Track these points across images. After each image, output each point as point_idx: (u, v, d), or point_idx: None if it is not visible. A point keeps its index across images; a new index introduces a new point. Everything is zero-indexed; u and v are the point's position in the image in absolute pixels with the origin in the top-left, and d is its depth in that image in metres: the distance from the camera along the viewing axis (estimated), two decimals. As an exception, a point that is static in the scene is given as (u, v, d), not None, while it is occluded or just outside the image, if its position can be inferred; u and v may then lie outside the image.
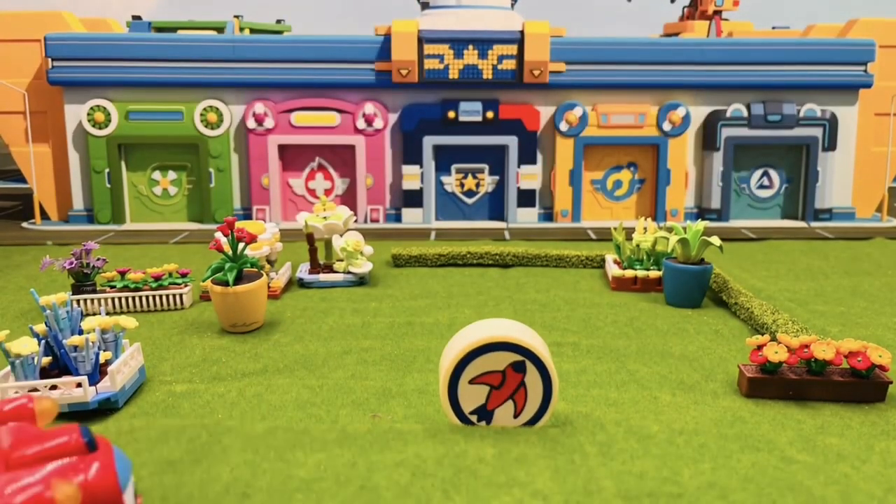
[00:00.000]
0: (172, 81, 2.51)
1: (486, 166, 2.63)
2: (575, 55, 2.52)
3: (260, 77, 2.52)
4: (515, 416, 0.99)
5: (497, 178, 2.64)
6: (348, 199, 2.63)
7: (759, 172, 2.68)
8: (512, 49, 2.49)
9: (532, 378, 0.97)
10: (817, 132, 2.59)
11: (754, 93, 2.59)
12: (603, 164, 2.65)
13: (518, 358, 0.96)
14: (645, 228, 1.78)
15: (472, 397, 0.98)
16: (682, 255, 1.62)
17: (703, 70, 2.55)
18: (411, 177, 2.58)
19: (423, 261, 1.99)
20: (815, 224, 2.61)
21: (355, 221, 2.43)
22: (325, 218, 1.80)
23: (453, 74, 2.49)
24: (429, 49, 2.48)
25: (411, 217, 2.61)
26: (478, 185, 2.65)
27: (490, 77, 2.50)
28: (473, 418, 0.99)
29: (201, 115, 2.53)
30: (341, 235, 1.81)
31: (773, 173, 2.68)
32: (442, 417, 1.04)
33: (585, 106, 2.56)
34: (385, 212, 2.62)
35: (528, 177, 2.59)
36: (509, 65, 2.49)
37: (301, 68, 2.52)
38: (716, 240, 1.59)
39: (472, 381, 0.97)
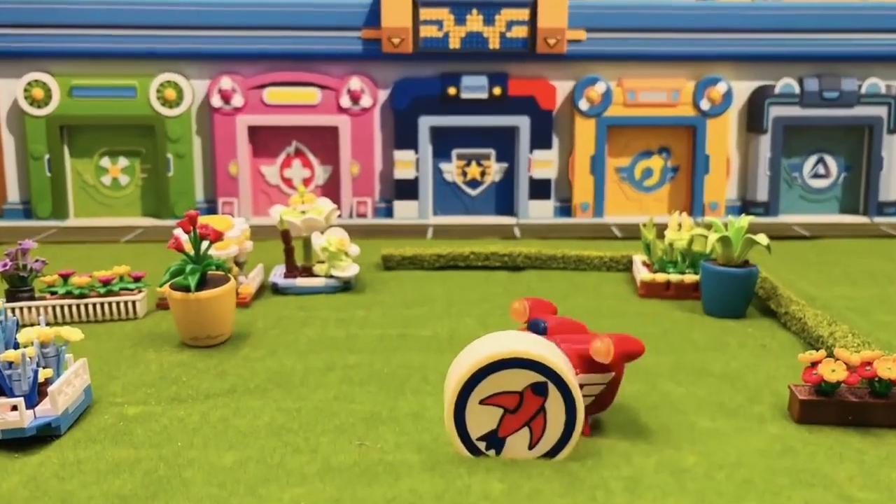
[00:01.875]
0: (124, 51, 2.51)
1: (492, 152, 2.63)
2: (597, 21, 2.52)
3: (227, 46, 2.51)
4: (531, 447, 0.99)
5: (505, 165, 2.64)
6: (330, 190, 2.63)
7: (813, 159, 2.67)
8: (523, 14, 2.48)
9: (554, 403, 0.97)
10: (882, 111, 2.58)
11: (808, 65, 2.59)
12: (630, 150, 2.65)
13: (539, 378, 0.96)
14: (679, 225, 1.78)
15: (481, 420, 0.98)
16: (723, 257, 1.62)
17: (748, 38, 2.55)
18: (405, 164, 2.58)
19: (419, 263, 1.99)
20: (878, 219, 2.61)
21: (339, 216, 2.42)
22: (303, 212, 1.80)
23: (454, 44, 2.49)
24: (425, 14, 2.48)
25: (405, 211, 2.61)
26: (483, 173, 2.64)
27: (497, 47, 2.50)
28: (481, 445, 0.99)
29: (158, 91, 2.52)
30: (322, 233, 1.81)
31: (829, 160, 2.68)
32: (441, 447, 1.04)
33: (609, 81, 2.56)
34: (374, 205, 2.62)
35: (542, 164, 2.59)
36: (520, 32, 2.49)
37: (275, 36, 2.51)
38: (762, 238, 1.59)
39: (483, 402, 0.97)
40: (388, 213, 2.63)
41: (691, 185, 2.63)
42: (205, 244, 1.47)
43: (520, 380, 0.96)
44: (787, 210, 2.68)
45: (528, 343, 0.98)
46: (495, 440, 0.99)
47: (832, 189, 2.69)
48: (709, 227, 1.70)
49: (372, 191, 2.60)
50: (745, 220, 1.61)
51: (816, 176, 2.68)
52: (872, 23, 2.55)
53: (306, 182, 2.64)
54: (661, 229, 1.84)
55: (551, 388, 0.97)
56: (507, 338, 1.00)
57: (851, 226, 2.54)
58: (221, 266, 1.50)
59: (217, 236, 1.47)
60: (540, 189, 2.60)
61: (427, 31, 2.49)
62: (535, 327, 1.11)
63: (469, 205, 2.67)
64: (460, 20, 2.48)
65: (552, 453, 0.99)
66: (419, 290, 1.82)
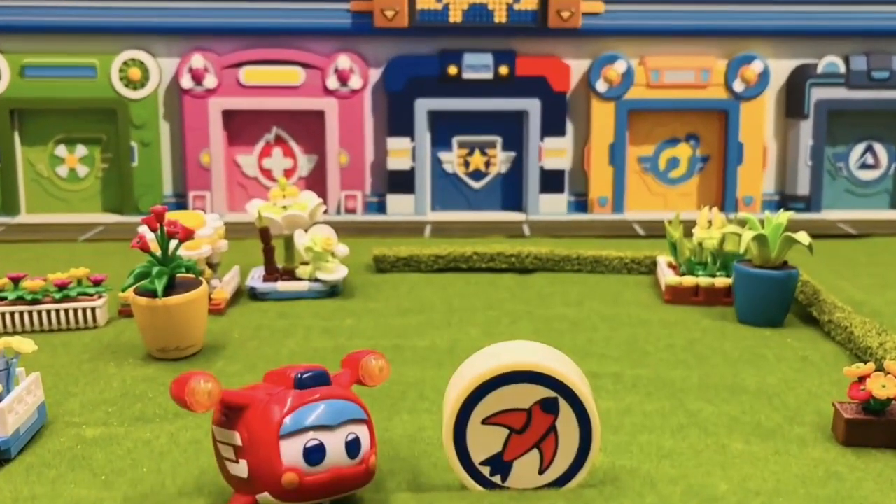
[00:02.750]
0: (83, 26, 2.51)
1: (498, 139, 2.63)
2: (617, -9, 2.53)
3: (199, 20, 2.51)
4: (541, 472, 0.99)
5: (513, 154, 2.64)
6: (315, 182, 2.63)
7: (860, 147, 2.67)
8: (533, -17, 2.49)
9: (566, 422, 0.97)
10: (938, 94, 2.58)
11: (855, 41, 2.58)
12: (654, 137, 2.65)
13: (549, 394, 0.96)
14: (709, 222, 1.78)
15: (484, 443, 0.98)
16: (759, 258, 1.62)
17: (787, 11, 2.54)
18: (399, 153, 2.57)
19: (416, 264, 1.99)
20: (935, 216, 2.61)
21: (325, 212, 2.42)
22: (284, 207, 1.80)
23: (455, 17, 2.49)
24: (423, -17, 2.49)
25: (399, 206, 2.61)
26: (487, 163, 2.64)
27: (504, 20, 2.49)
28: (485, 470, 0.99)
29: (121, 70, 2.52)
30: (306, 231, 1.81)
31: (879, 149, 2.68)
32: (440, 473, 1.04)
33: (630, 59, 2.56)
34: (364, 199, 2.62)
35: (555, 153, 2.59)
36: (529, 3, 2.49)
37: (253, 9, 2.51)
38: (803, 237, 1.59)
39: (486, 422, 0.97)
40: (381, 208, 2.63)
41: (723, 176, 2.63)
42: (173, 243, 1.47)
43: (527, 396, 0.96)
44: (832, 205, 2.68)
45: (535, 354, 0.97)
46: (501, 464, 0.98)
47: (882, 181, 2.69)
48: (743, 224, 1.70)
49: (362, 183, 2.61)
50: (783, 217, 1.61)
51: (864, 166, 2.68)
52: (928, -7, 2.55)
53: (288, 173, 2.64)
54: (688, 227, 1.84)
55: (563, 404, 0.96)
56: (512, 348, 0.99)
57: (904, 223, 2.55)
58: (192, 268, 1.50)
59: (187, 234, 1.47)
60: (552, 181, 2.60)
61: (424, 3, 2.48)
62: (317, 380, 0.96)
63: (472, 199, 2.67)
64: (462, -10, 2.49)
65: (565, 479, 0.99)
66: (415, 295, 1.81)
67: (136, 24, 2.51)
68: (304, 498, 0.90)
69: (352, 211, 2.60)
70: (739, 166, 2.61)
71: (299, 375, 0.93)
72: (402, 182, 2.59)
